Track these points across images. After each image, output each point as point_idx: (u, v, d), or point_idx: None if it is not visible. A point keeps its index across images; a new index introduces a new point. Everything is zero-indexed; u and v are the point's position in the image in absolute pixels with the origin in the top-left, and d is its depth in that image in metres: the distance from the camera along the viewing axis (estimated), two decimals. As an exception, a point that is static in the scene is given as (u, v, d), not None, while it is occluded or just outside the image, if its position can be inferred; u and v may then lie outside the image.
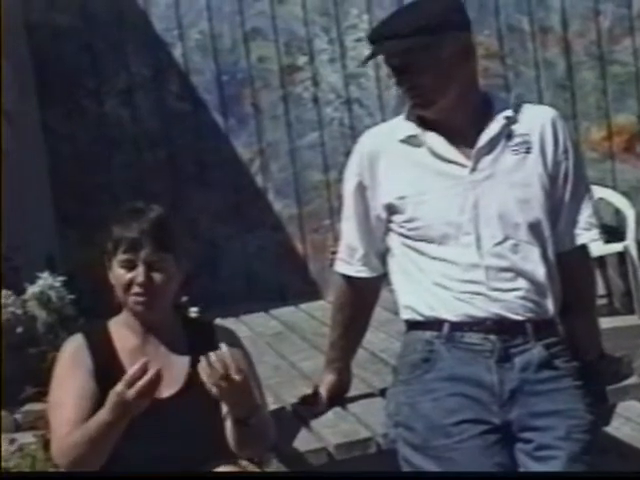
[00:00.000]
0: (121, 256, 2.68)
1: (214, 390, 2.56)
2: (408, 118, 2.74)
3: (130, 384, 2.51)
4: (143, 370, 2.52)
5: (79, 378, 2.69)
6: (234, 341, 2.83)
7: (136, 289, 2.67)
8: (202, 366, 2.56)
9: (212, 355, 2.57)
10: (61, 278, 4.51)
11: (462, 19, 2.70)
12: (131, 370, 2.53)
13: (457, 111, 2.67)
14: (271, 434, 2.77)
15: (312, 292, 5.67)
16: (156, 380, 2.53)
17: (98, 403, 2.64)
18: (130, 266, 2.67)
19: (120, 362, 2.72)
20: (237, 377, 2.56)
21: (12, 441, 3.95)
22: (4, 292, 4.35)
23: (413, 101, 2.67)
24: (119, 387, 2.52)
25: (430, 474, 2.62)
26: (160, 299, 2.71)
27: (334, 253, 3.00)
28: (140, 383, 2.51)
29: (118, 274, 2.69)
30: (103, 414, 2.56)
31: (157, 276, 2.68)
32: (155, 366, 2.67)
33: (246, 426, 2.62)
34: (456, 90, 2.64)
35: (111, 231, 2.71)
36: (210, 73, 5.92)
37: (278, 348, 4.18)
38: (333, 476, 2.94)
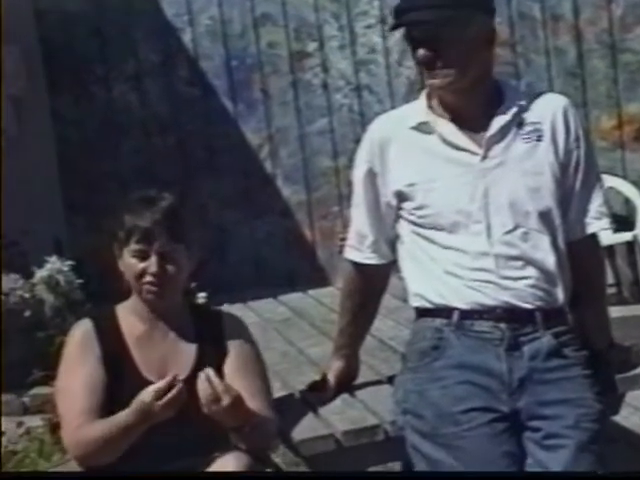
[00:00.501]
0: (134, 246, 2.67)
1: (205, 410, 2.56)
2: (420, 103, 2.73)
3: (158, 396, 2.52)
4: (172, 383, 2.53)
5: (88, 365, 2.68)
6: (240, 329, 2.82)
7: (149, 278, 2.67)
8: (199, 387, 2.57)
9: (201, 376, 2.57)
10: (69, 262, 4.51)
11: (490, 5, 2.71)
12: (160, 382, 2.54)
13: (471, 96, 2.66)
14: (270, 434, 2.75)
15: (320, 278, 5.67)
16: (182, 393, 2.54)
17: (107, 389, 2.64)
18: (143, 256, 2.66)
19: (128, 348, 2.72)
20: (225, 401, 2.55)
21: (20, 424, 3.97)
22: (12, 276, 4.36)
23: (432, 79, 2.64)
24: (146, 397, 2.53)
25: (430, 474, 2.62)
26: (172, 289, 2.71)
27: (343, 240, 3.00)
28: (167, 398, 2.52)
29: (130, 263, 2.68)
30: (126, 417, 2.56)
31: (169, 267, 2.67)
32: (162, 353, 2.68)
33: (241, 431, 2.62)
34: (475, 73, 2.63)
35: (123, 220, 2.69)
36: (219, 58, 5.91)
37: (286, 334, 4.18)
38: (333, 476, 2.94)
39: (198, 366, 2.69)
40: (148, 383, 2.62)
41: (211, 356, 2.72)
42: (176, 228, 2.68)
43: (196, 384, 2.58)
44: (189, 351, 2.74)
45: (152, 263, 2.65)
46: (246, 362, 2.76)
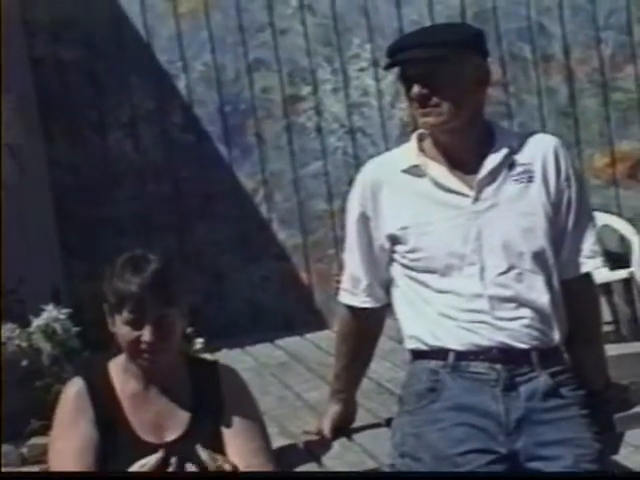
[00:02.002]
0: (127, 315, 2.60)
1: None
2: (411, 146, 2.75)
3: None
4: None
5: (81, 428, 2.65)
6: (235, 380, 2.79)
7: (144, 347, 2.61)
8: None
9: (202, 454, 2.59)
10: (66, 310, 4.49)
11: (484, 47, 2.74)
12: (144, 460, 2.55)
13: (463, 136, 2.68)
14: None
15: (317, 322, 5.66)
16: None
17: (99, 450, 2.62)
18: (136, 324, 2.60)
19: (122, 408, 2.67)
20: (227, 467, 2.58)
21: (18, 475, 3.93)
22: (9, 325, 4.34)
23: (426, 118, 2.66)
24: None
25: (430, 474, 2.61)
26: (167, 353, 2.66)
27: (338, 282, 3.00)
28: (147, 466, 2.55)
29: (123, 332, 2.62)
30: None
31: (165, 334, 2.62)
32: (157, 411, 2.65)
33: None
34: (467, 113, 2.66)
35: (113, 286, 2.63)
36: (213, 104, 5.94)
37: (283, 378, 4.16)
38: (334, 476, 2.92)
39: (193, 424, 2.67)
40: (143, 442, 2.61)
41: (207, 413, 2.69)
42: (167, 292, 2.61)
43: (190, 443, 2.57)
44: (185, 406, 2.70)
45: (147, 332, 2.59)
46: (245, 420, 2.71)
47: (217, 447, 2.63)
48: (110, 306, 2.65)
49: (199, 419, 2.66)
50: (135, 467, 2.54)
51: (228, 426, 2.69)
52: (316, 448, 3.08)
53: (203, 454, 2.58)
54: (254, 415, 2.75)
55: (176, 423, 2.68)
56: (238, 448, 2.63)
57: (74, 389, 2.71)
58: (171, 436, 2.66)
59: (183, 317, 2.68)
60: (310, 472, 2.90)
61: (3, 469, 3.92)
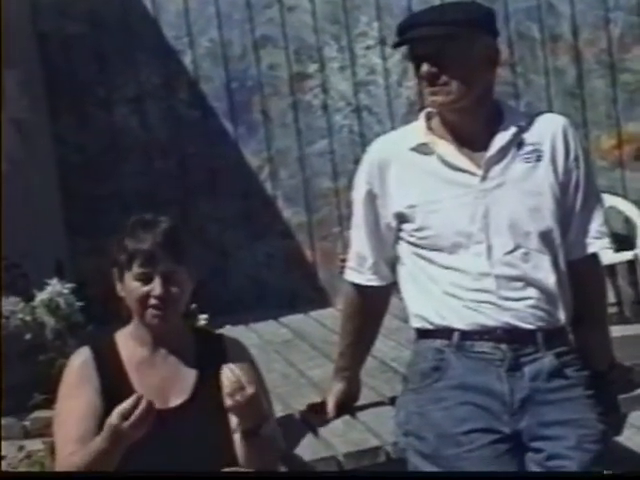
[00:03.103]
0: (137, 269, 2.65)
1: (228, 402, 2.55)
2: (419, 125, 2.74)
3: (124, 416, 2.51)
4: (137, 402, 2.52)
5: (84, 396, 2.67)
6: (242, 352, 2.82)
7: (153, 302, 2.65)
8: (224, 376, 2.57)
9: (225, 369, 2.57)
10: (70, 285, 4.50)
11: (495, 27, 2.73)
12: (125, 403, 2.53)
13: (472, 115, 2.66)
14: (281, 444, 2.76)
15: (321, 300, 5.67)
16: (150, 411, 2.52)
17: (103, 419, 2.63)
18: (146, 279, 2.65)
19: (127, 376, 2.70)
20: (249, 390, 2.56)
21: (21, 448, 3.95)
22: (13, 299, 4.35)
23: (434, 96, 2.65)
24: (113, 419, 2.52)
25: (430, 474, 2.61)
26: (175, 311, 2.70)
27: (343, 261, 2.99)
28: (133, 417, 2.51)
29: (133, 287, 2.66)
30: (99, 442, 2.56)
31: (173, 288, 2.66)
32: (163, 377, 2.66)
33: (256, 436, 2.61)
34: (477, 92, 2.64)
35: (124, 244, 2.68)
36: (220, 80, 5.93)
37: (287, 356, 4.17)
38: (333, 476, 2.93)
39: (198, 390, 2.69)
40: None
41: (212, 380, 2.70)
42: (177, 250, 2.67)
43: (194, 408, 2.56)
44: (190, 374, 2.73)
45: (156, 285, 2.64)
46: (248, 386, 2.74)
47: (220, 414, 2.64)
48: (120, 266, 2.69)
49: (203, 386, 2.67)
50: (114, 417, 2.52)
51: None
52: (314, 420, 3.08)
53: (232, 365, 2.58)
54: (257, 383, 2.76)
55: (180, 389, 2.69)
56: None
57: (81, 358, 2.74)
58: (175, 402, 2.68)
59: (190, 278, 2.72)
60: (311, 472, 2.91)
61: (5, 442, 3.93)
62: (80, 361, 2.73)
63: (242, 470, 2.64)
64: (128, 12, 5.87)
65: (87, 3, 5.83)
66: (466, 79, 2.62)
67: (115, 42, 5.87)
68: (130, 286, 2.67)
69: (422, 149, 2.70)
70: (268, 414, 2.67)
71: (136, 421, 2.51)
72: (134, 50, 5.88)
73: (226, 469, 2.64)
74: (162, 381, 2.71)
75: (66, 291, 4.45)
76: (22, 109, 5.23)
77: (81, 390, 2.68)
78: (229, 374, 2.56)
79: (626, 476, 3.02)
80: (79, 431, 2.64)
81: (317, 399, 3.18)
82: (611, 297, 5.27)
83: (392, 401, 3.03)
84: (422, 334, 2.72)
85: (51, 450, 3.73)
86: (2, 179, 4.87)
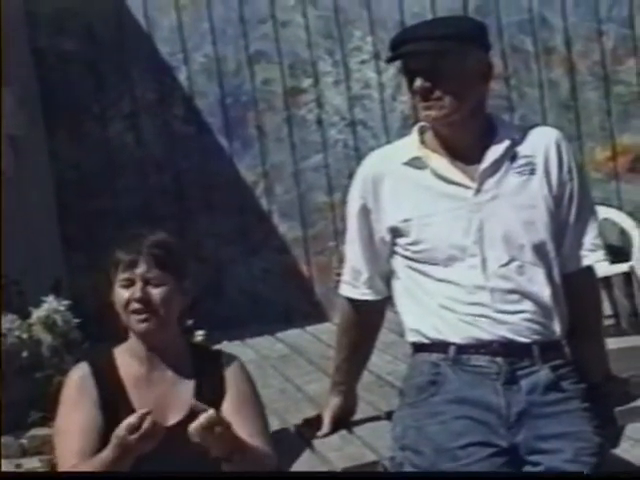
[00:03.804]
0: (121, 275, 2.70)
1: (196, 438, 2.54)
2: (412, 139, 2.74)
3: (131, 430, 2.51)
4: (143, 417, 2.52)
5: (84, 409, 2.69)
6: (239, 369, 2.81)
7: (134, 305, 2.68)
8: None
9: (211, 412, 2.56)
10: (66, 302, 4.49)
11: (487, 41, 2.74)
12: (131, 417, 2.53)
13: (465, 129, 2.67)
14: (272, 461, 2.74)
15: (318, 314, 5.66)
16: (157, 427, 2.53)
17: (103, 433, 2.64)
18: (129, 284, 2.70)
19: (125, 391, 2.71)
20: (217, 429, 2.54)
21: (18, 466, 3.93)
22: (10, 316, 4.34)
23: (428, 111, 2.66)
24: (121, 431, 2.53)
25: (430, 474, 2.61)
26: (160, 316, 2.70)
27: (339, 275, 3.00)
28: (140, 430, 2.51)
29: (118, 294, 2.71)
30: (107, 453, 2.57)
31: (154, 292, 2.69)
32: (160, 394, 2.66)
33: (229, 462, 2.61)
34: (470, 107, 2.65)
35: (114, 256, 2.74)
36: (214, 96, 5.94)
37: (284, 371, 4.17)
38: (333, 476, 2.93)
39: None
40: None
41: (209, 396, 2.70)
42: (160, 256, 2.70)
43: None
44: (188, 390, 2.73)
45: (136, 289, 2.68)
46: (244, 403, 2.74)
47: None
48: (111, 277, 2.73)
49: (201, 403, 2.67)
50: (122, 429, 2.52)
51: (228, 410, 2.71)
52: (308, 434, 3.08)
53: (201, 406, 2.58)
54: (254, 400, 2.78)
55: (178, 407, 2.70)
56: (237, 430, 2.63)
57: (79, 373, 2.76)
58: (173, 420, 2.69)
59: (184, 291, 2.74)
60: (310, 472, 2.90)
61: (3, 460, 3.92)
62: (79, 376, 2.75)
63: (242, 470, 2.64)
64: (122, 28, 5.88)
65: (82, 20, 5.84)
66: (459, 93, 2.63)
67: (110, 58, 5.88)
68: (116, 294, 2.72)
69: (415, 163, 2.71)
70: (243, 444, 2.63)
71: (143, 435, 2.51)
72: (129, 66, 5.89)
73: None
74: (159, 399, 2.71)
75: (63, 308, 4.44)
76: (17, 125, 5.23)
77: (80, 404, 2.70)
78: (207, 414, 2.54)
79: (626, 476, 3.01)
80: (80, 444, 2.65)
81: (314, 414, 3.18)
82: (607, 309, 5.26)
83: (389, 415, 3.03)
84: (418, 348, 2.72)
85: (50, 468, 3.72)
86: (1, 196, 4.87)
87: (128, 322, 2.72)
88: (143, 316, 2.69)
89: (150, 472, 2.60)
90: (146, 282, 2.69)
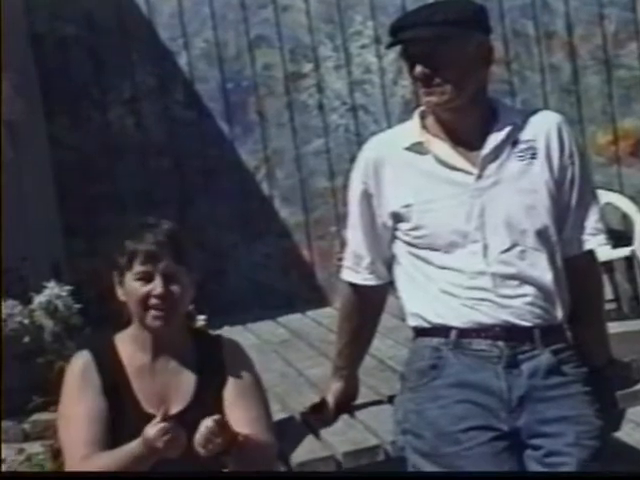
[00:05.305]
0: (138, 268, 2.62)
1: (200, 450, 2.52)
2: (413, 124, 2.74)
3: (162, 433, 2.48)
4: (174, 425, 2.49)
5: (89, 397, 2.66)
6: (240, 355, 2.81)
7: (154, 301, 2.62)
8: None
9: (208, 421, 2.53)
10: (68, 287, 4.50)
11: (487, 25, 2.72)
12: (164, 423, 2.48)
13: (467, 114, 2.66)
14: (270, 458, 2.73)
15: (319, 299, 5.67)
16: (182, 437, 2.50)
17: (108, 420, 2.63)
18: (147, 278, 2.62)
19: (128, 380, 2.69)
20: (218, 440, 2.51)
21: (20, 451, 3.95)
22: (11, 302, 4.35)
23: (429, 96, 2.65)
24: (151, 433, 2.49)
25: (431, 474, 2.61)
26: (176, 313, 2.67)
27: (340, 260, 3.00)
28: (169, 435, 2.48)
29: (133, 287, 2.63)
30: (136, 447, 2.53)
31: (175, 288, 2.63)
32: (163, 383, 2.65)
33: (227, 455, 2.59)
34: (471, 92, 2.64)
35: (124, 245, 2.66)
36: (215, 81, 5.93)
37: (285, 356, 4.17)
38: (333, 476, 2.93)
39: (198, 396, 2.68)
40: (147, 415, 2.60)
41: (211, 384, 2.70)
42: (178, 250, 2.65)
43: (195, 414, 2.56)
44: (189, 380, 2.71)
45: (157, 284, 2.61)
46: (245, 389, 2.73)
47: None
48: (120, 269, 2.66)
49: (203, 391, 2.67)
50: (153, 429, 2.50)
51: (229, 396, 2.70)
52: (316, 422, 3.09)
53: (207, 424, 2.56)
54: (254, 385, 2.76)
55: (181, 395, 2.69)
56: (238, 417, 2.64)
57: (81, 361, 2.73)
58: (176, 408, 2.67)
59: (191, 280, 2.70)
60: (310, 472, 2.91)
61: (4, 445, 3.93)
62: (81, 364, 2.72)
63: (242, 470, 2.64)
64: (122, 13, 5.87)
65: (81, 5, 5.83)
66: (460, 79, 2.62)
67: (110, 43, 5.87)
68: (131, 287, 2.64)
69: (417, 148, 2.70)
70: (238, 439, 2.59)
71: (171, 440, 2.49)
72: (129, 51, 5.88)
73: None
74: (163, 388, 2.69)
75: (64, 293, 4.45)
76: (15, 111, 5.22)
77: (85, 393, 2.67)
78: (208, 424, 2.51)
79: (626, 476, 3.01)
80: (89, 434, 2.62)
81: (315, 398, 3.18)
82: (609, 293, 5.27)
83: (390, 400, 3.04)
84: (419, 332, 2.72)
85: (52, 453, 3.73)
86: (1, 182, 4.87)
87: (140, 315, 2.66)
88: (162, 313, 2.63)
89: (150, 472, 2.59)
90: (166, 277, 2.62)
